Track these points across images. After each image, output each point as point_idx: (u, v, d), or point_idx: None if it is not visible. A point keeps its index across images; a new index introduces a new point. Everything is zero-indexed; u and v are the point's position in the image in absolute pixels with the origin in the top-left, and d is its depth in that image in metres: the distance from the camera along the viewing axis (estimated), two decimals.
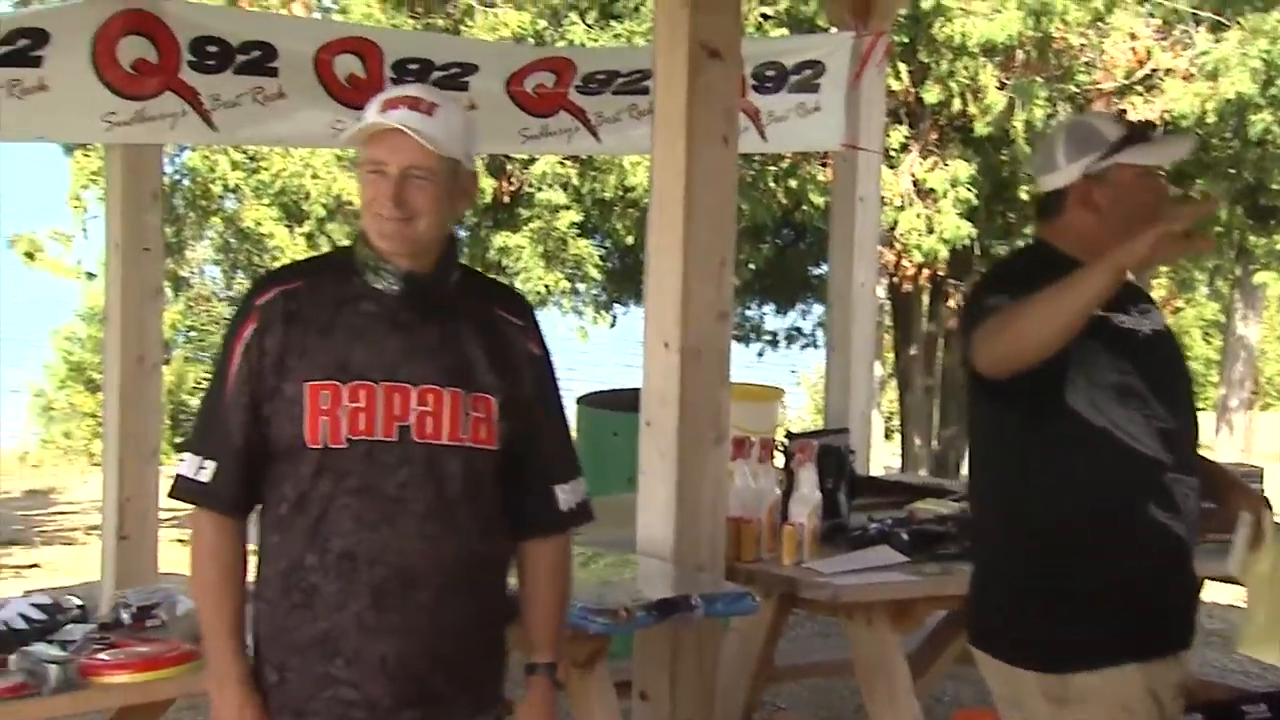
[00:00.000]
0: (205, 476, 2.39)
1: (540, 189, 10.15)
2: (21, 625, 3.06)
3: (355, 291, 2.42)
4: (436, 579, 2.39)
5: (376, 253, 2.41)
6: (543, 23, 10.00)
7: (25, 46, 4.36)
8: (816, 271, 12.43)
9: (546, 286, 10.19)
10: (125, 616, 3.25)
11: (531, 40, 9.65)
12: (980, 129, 10.10)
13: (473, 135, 2.47)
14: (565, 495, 2.56)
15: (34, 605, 3.15)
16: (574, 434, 2.71)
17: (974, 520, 2.95)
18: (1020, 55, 9.96)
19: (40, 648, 2.94)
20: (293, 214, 10.07)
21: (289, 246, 10.32)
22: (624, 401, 4.76)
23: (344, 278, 2.43)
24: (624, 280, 12.06)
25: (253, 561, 2.48)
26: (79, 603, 3.29)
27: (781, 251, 12.45)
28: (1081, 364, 2.59)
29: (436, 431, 2.39)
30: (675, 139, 3.77)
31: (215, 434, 2.41)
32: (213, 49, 4.70)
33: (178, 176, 10.71)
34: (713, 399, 3.86)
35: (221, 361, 2.44)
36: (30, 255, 11.95)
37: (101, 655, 2.99)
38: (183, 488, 2.42)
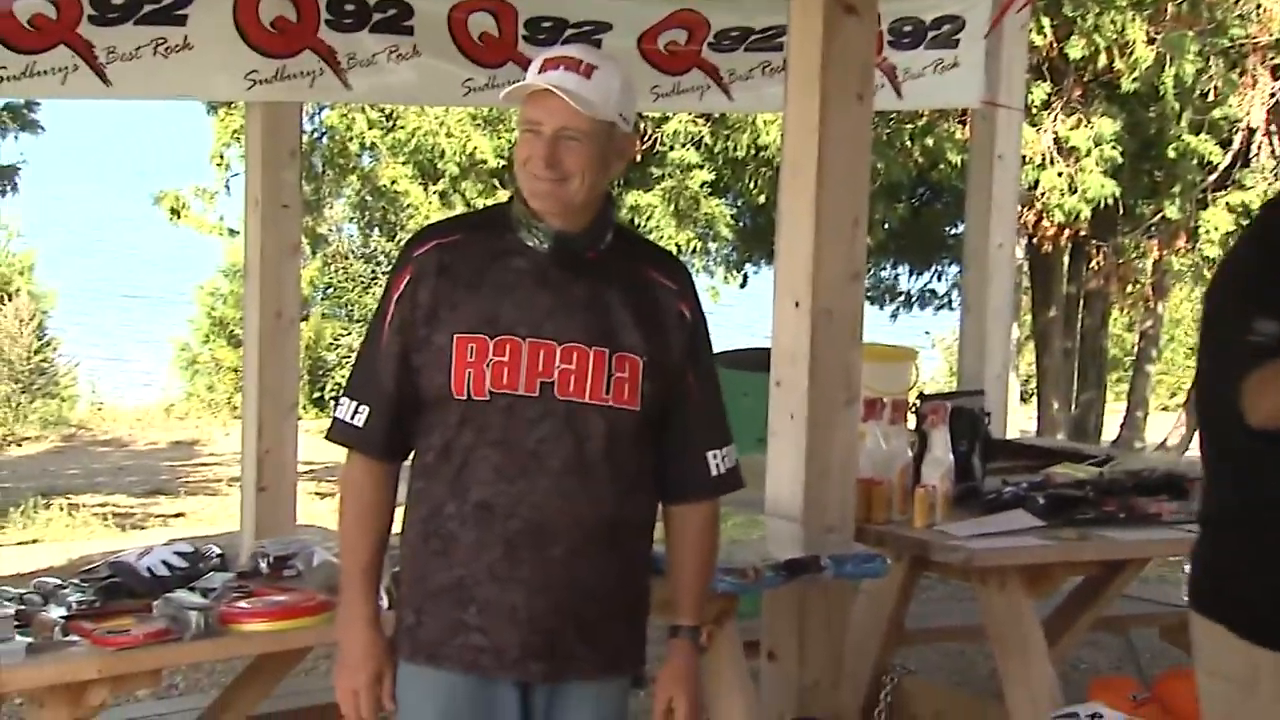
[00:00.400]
0: (359, 421, 2.46)
1: (672, 147, 10.13)
2: (164, 572, 3.16)
3: (508, 247, 2.45)
4: (572, 535, 2.41)
5: (530, 210, 2.43)
6: None
7: (170, 4, 4.45)
8: (953, 232, 12.23)
9: (677, 245, 10.18)
10: (263, 566, 3.34)
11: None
12: (1127, 85, 9.83)
13: (631, 97, 2.48)
14: (716, 461, 2.56)
15: (176, 553, 3.24)
16: None
17: (1213, 491, 2.72)
18: (1170, 8, 9.65)
19: (182, 594, 3.02)
20: (427, 172, 10.18)
21: (423, 205, 10.45)
22: (754, 361, 4.74)
23: (498, 233, 2.46)
24: (755, 239, 11.99)
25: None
26: (219, 551, 3.38)
27: (917, 211, 12.29)
28: None
29: (579, 389, 2.41)
30: (809, 96, 3.73)
31: (370, 381, 2.47)
32: (350, 7, 4.76)
33: (316, 135, 10.89)
34: (843, 359, 3.83)
35: (378, 310, 2.49)
36: (175, 212, 12.25)
37: (240, 603, 3.07)
38: (338, 430, 2.50)
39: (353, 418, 2.47)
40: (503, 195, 10.24)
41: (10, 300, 18.58)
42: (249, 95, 4.76)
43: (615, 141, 2.45)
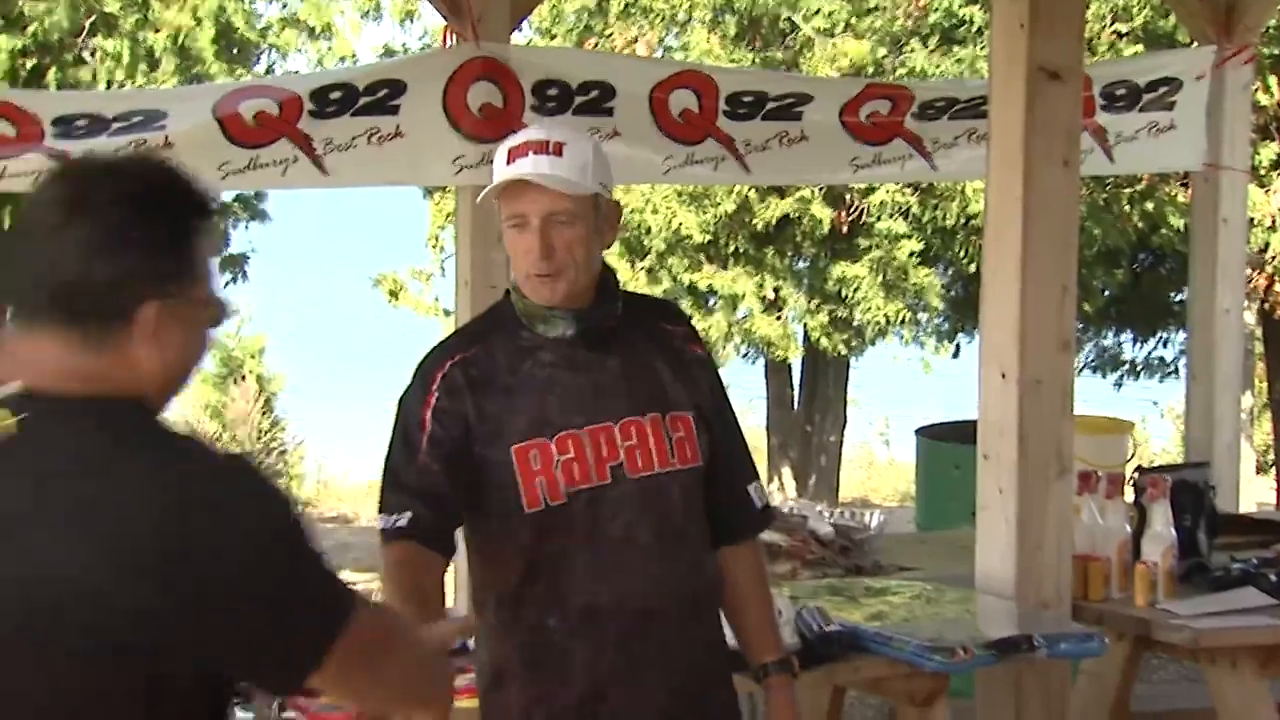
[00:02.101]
0: (403, 522, 2.36)
1: (879, 218, 10.07)
2: None
3: (527, 344, 2.42)
4: (676, 612, 2.39)
5: (537, 304, 2.40)
6: (883, 50, 9.93)
7: (384, 96, 4.66)
8: (1178, 297, 11.83)
9: (886, 317, 10.09)
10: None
11: (870, 70, 9.60)
12: None
13: (606, 163, 2.43)
14: (756, 494, 2.57)
15: None
16: (914, 466, 2.69)
17: None
18: None
19: None
20: (634, 249, 10.33)
21: (630, 281, 10.60)
22: (965, 434, 4.68)
23: (513, 333, 2.43)
24: (967, 309, 11.79)
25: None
26: None
27: (1138, 277, 11.91)
28: None
29: (647, 462, 2.39)
30: (1012, 163, 3.70)
31: (406, 494, 2.37)
32: (553, 91, 4.90)
33: None
34: (1054, 431, 3.75)
35: (407, 432, 2.39)
36: (393, 294, 12.71)
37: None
38: (385, 536, 2.39)
39: (394, 523, 2.35)
40: (709, 271, 10.34)
41: (240, 383, 19.45)
42: (457, 180, 4.94)
43: (602, 210, 2.41)
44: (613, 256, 10.58)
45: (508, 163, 2.36)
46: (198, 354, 1.69)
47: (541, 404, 2.37)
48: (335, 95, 4.63)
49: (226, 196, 11.26)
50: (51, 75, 8.98)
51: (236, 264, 11.55)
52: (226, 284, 11.71)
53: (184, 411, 19.63)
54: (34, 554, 1.48)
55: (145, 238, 1.59)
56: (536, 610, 2.36)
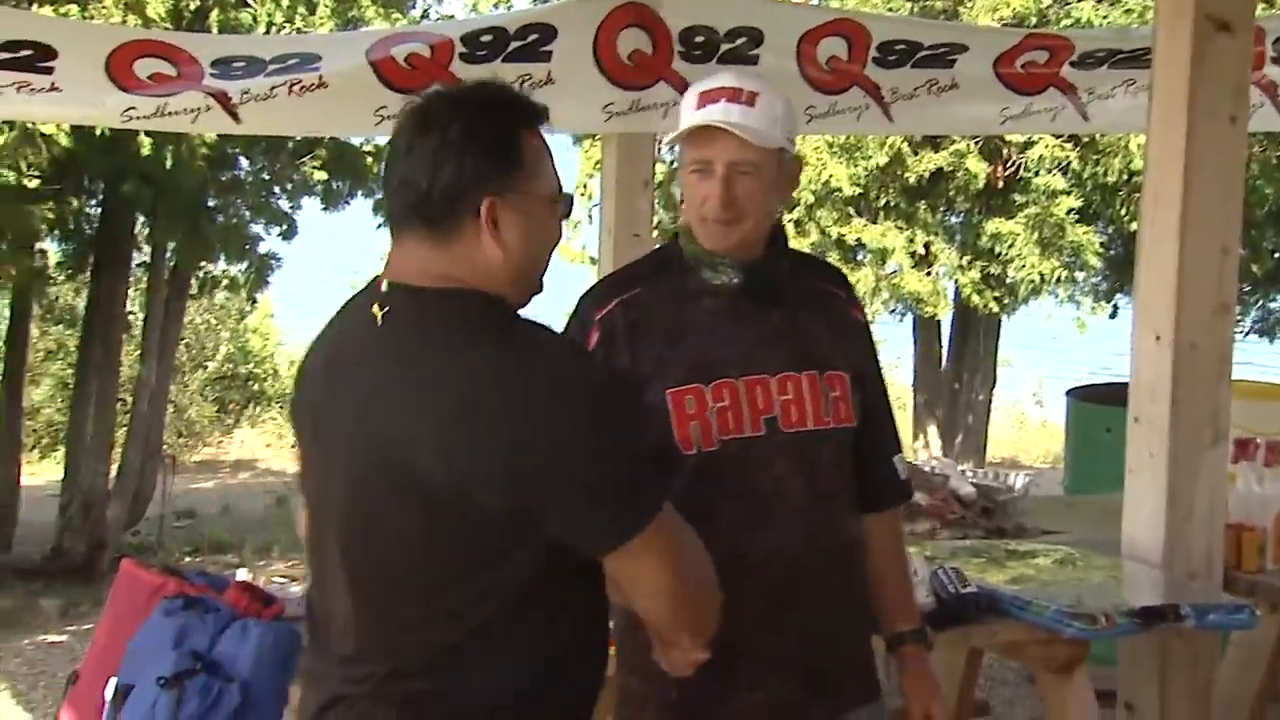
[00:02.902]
0: None
1: (1037, 173, 9.85)
2: None
3: (692, 289, 2.41)
4: (822, 568, 2.37)
5: (708, 249, 2.39)
6: (1047, 0, 9.67)
7: (535, 41, 4.66)
8: None
9: (1041, 275, 9.87)
10: None
11: (1034, 21, 9.36)
12: None
13: (794, 118, 2.43)
14: (900, 466, 2.57)
15: None
16: (1063, 429, 2.65)
17: None
18: None
19: None
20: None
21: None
22: (1118, 396, 4.57)
23: (679, 277, 2.42)
24: (1126, 268, 11.49)
25: None
26: None
27: None
28: None
29: (802, 418, 2.37)
30: (1174, 117, 3.58)
31: None
32: (699, 39, 4.86)
33: (675, 164, 11.14)
34: (1209, 396, 3.64)
35: None
36: None
37: None
38: None
39: None
40: (858, 224, 10.23)
41: None
42: (607, 127, 4.93)
43: (785, 167, 2.40)
44: None
45: (697, 107, 2.35)
46: (544, 244, 1.97)
47: (700, 350, 2.37)
48: (486, 39, 4.64)
49: (382, 138, 11.47)
50: (214, 18, 9.19)
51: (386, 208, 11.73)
52: (378, 227, 11.92)
53: None
54: (393, 416, 1.82)
55: (478, 144, 1.89)
56: None
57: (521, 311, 1.95)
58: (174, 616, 2.80)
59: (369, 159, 11.15)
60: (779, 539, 2.35)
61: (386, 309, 1.90)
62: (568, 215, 1.99)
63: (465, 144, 1.89)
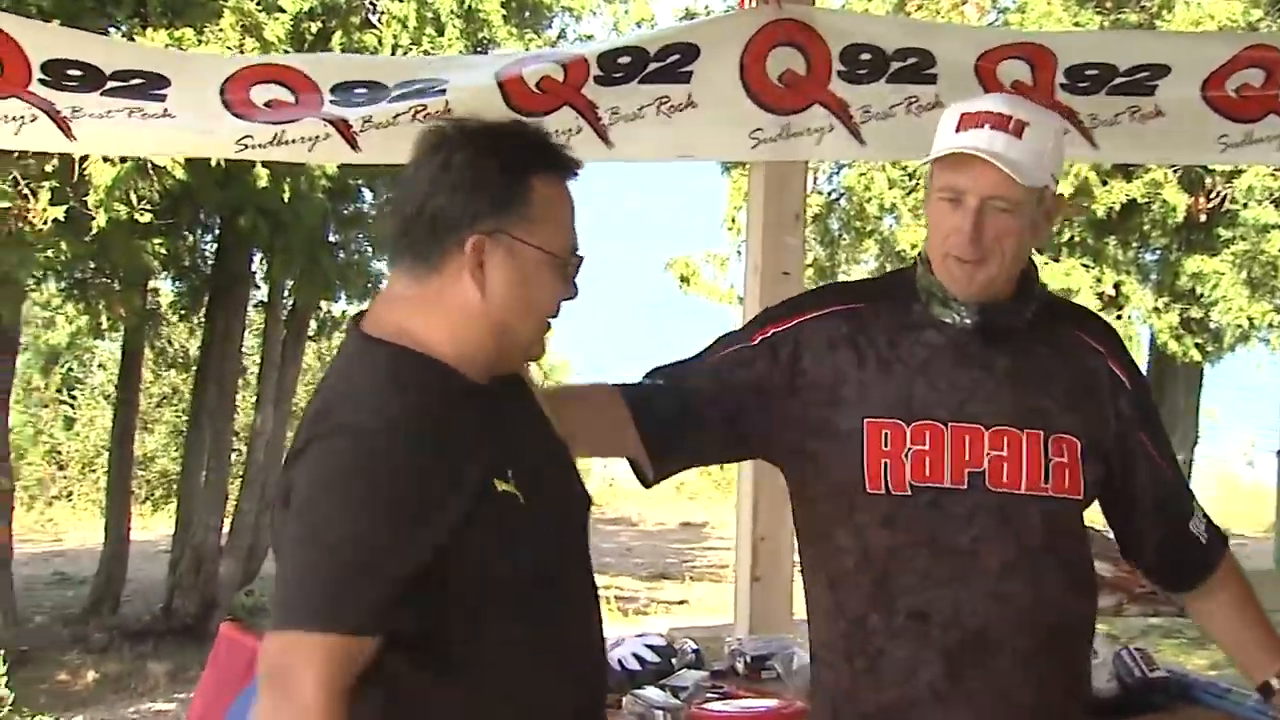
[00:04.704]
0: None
1: (1245, 205, 9.62)
2: (635, 666, 3.28)
3: (918, 320, 2.38)
4: (1017, 644, 2.31)
5: (943, 285, 2.36)
6: (1258, 12, 9.46)
7: (675, 62, 4.68)
8: None
9: (1250, 320, 9.63)
10: (739, 665, 3.41)
11: (1242, 31, 9.16)
12: None
13: (1061, 152, 2.40)
14: (1199, 529, 2.51)
15: (649, 646, 3.35)
16: (1276, 490, 2.58)
17: None
18: None
19: (652, 691, 3.12)
20: None
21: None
22: None
23: (904, 304, 2.40)
24: None
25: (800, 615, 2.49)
26: (695, 646, 3.47)
27: None
28: None
29: (1014, 479, 2.32)
30: None
31: (661, 376, 2.48)
32: (865, 56, 4.82)
33: (834, 195, 11.13)
34: None
35: (730, 333, 2.49)
36: (685, 279, 12.86)
37: (712, 705, 3.11)
38: None
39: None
40: (1038, 261, 10.07)
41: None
42: (753, 155, 4.91)
43: (1045, 205, 2.35)
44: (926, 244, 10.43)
45: (958, 130, 2.33)
46: (535, 303, 1.99)
47: (908, 384, 2.34)
48: (624, 60, 4.66)
49: None
50: (336, 39, 9.44)
51: None
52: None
53: None
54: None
55: (478, 176, 1.94)
56: (862, 600, 2.34)
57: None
58: None
59: None
60: (969, 602, 2.31)
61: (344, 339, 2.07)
62: (567, 278, 2.02)
63: (465, 173, 1.95)
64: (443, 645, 1.92)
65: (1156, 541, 2.47)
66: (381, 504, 1.87)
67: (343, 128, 4.43)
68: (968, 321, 2.36)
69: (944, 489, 2.31)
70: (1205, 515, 2.54)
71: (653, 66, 4.68)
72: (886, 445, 2.32)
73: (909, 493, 2.31)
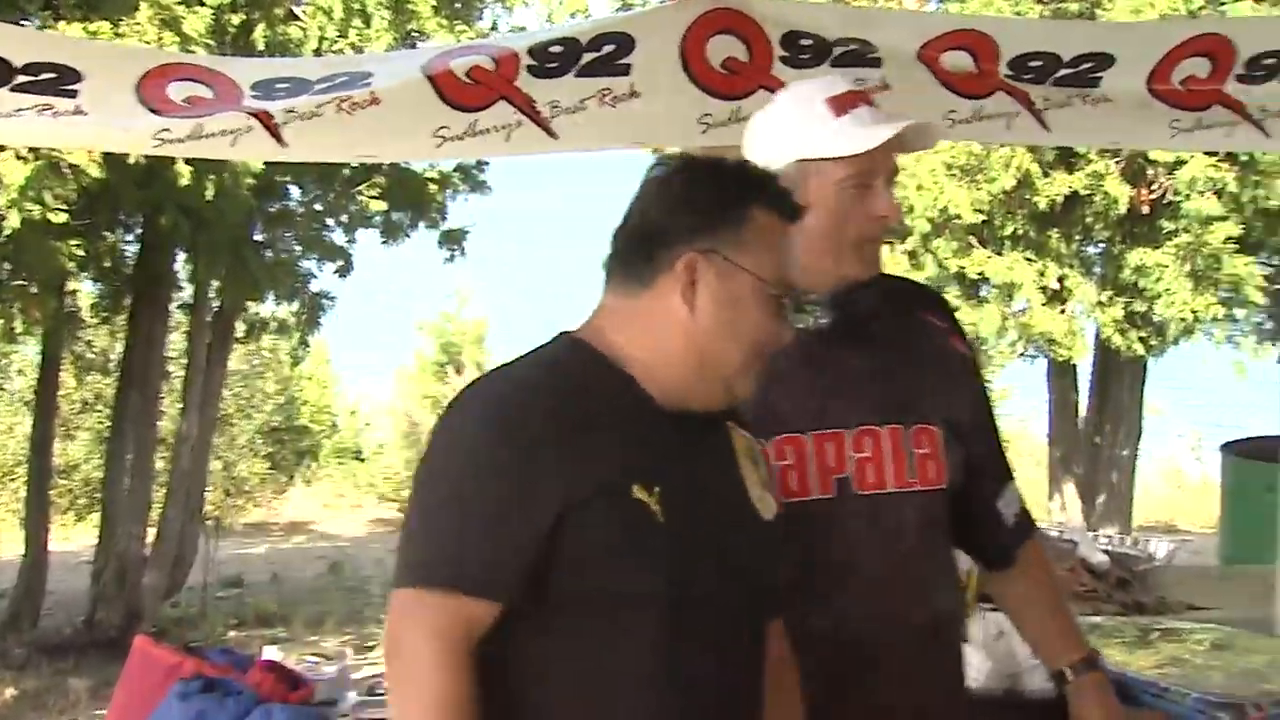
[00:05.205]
0: None
1: (1188, 196, 9.72)
2: None
3: None
4: (899, 645, 2.32)
5: (849, 280, 2.35)
6: (1198, 1, 9.58)
7: (611, 53, 4.67)
8: None
9: (1194, 313, 9.73)
10: None
11: (1183, 19, 9.27)
12: None
13: None
14: (1005, 507, 2.50)
15: None
16: (1219, 486, 2.60)
17: None
18: None
19: None
20: (891, 229, 10.22)
21: (888, 266, 10.46)
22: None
23: None
24: None
25: None
26: None
27: None
28: None
29: (879, 479, 2.32)
30: None
31: None
32: (806, 42, 4.84)
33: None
34: None
35: None
36: None
37: None
38: None
39: None
40: (981, 255, 10.15)
41: (461, 371, 19.95)
42: (704, 140, 4.90)
43: None
44: None
45: (838, 114, 2.35)
46: (743, 325, 2.01)
47: (763, 401, 2.25)
48: (556, 50, 4.67)
49: (447, 165, 11.59)
50: (259, 32, 9.37)
51: (454, 240, 11.83)
52: (445, 261, 12.02)
53: (401, 403, 20.26)
54: None
55: (698, 196, 2.02)
56: None
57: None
58: (190, 701, 2.82)
59: (432, 186, 11.26)
60: (849, 612, 2.30)
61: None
62: (785, 310, 2.04)
63: (686, 193, 2.02)
64: (547, 633, 1.94)
65: (967, 517, 2.45)
66: (499, 466, 1.91)
67: (265, 119, 4.38)
68: (824, 321, 2.36)
69: (814, 500, 2.30)
70: (1020, 498, 2.54)
71: (588, 58, 4.67)
72: None
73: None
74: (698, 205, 2.01)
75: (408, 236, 11.70)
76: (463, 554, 1.89)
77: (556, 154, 4.99)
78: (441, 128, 4.53)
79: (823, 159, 2.33)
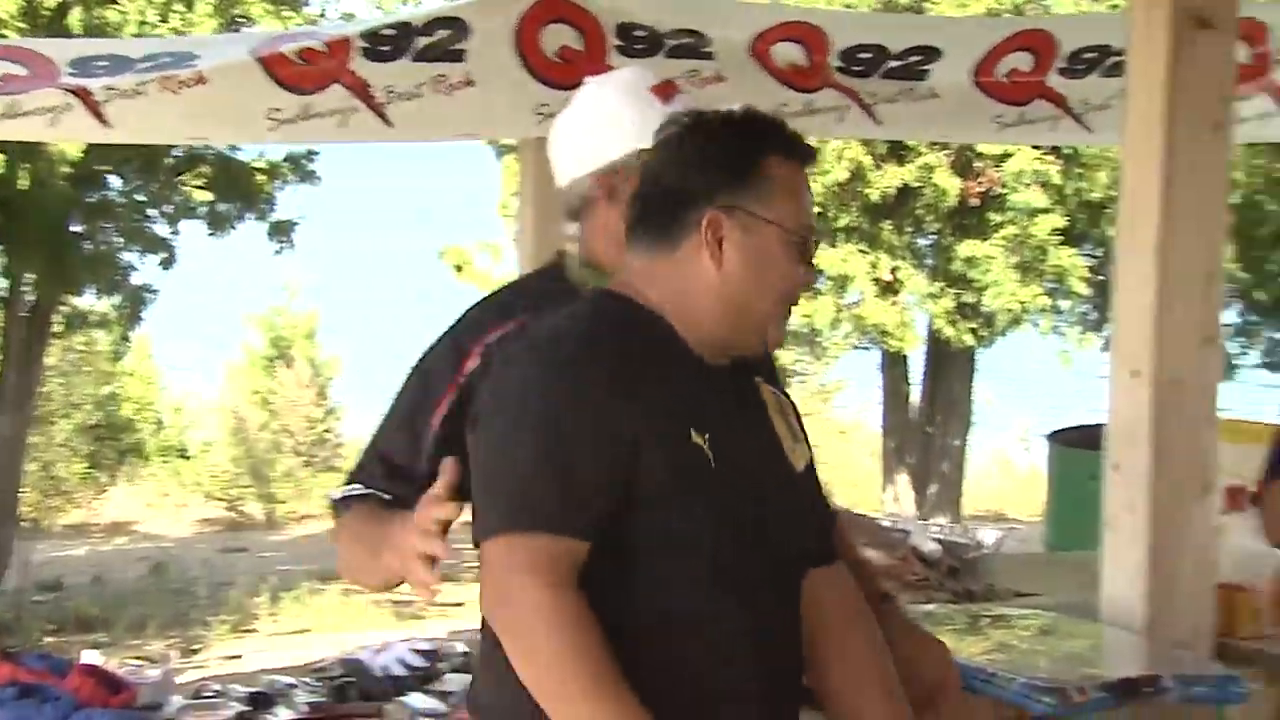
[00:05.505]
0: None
1: (1015, 189, 9.96)
2: (400, 672, 3.26)
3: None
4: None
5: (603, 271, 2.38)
6: None
7: (446, 39, 4.65)
8: None
9: (1022, 304, 9.97)
10: None
11: (1008, 15, 9.49)
12: None
13: None
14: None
15: (415, 651, 3.34)
16: (1046, 474, 2.67)
17: None
18: None
19: (416, 698, 3.11)
20: None
21: None
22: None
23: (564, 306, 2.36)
24: None
25: None
26: (463, 649, 3.47)
27: None
28: None
29: None
30: (1150, 128, 3.62)
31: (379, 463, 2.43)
32: (640, 33, 4.87)
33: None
34: (1196, 440, 3.67)
35: (423, 395, 2.40)
36: (459, 268, 12.81)
37: None
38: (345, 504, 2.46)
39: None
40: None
41: (291, 365, 19.66)
42: (541, 130, 4.91)
43: None
44: None
45: (665, 101, 2.38)
46: (771, 280, 2.09)
47: None
48: (389, 34, 4.63)
49: (276, 154, 11.42)
50: (75, 16, 9.12)
51: (283, 231, 11.67)
52: (274, 253, 11.85)
53: (229, 399, 19.91)
54: None
55: (714, 154, 2.08)
56: None
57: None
58: (5, 708, 2.76)
59: (260, 176, 11.08)
60: None
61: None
62: (805, 253, 2.11)
63: (701, 153, 2.09)
64: (617, 575, 2.01)
65: None
66: (574, 409, 1.98)
67: (85, 97, 4.24)
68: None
69: None
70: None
71: (422, 42, 4.64)
72: None
73: None
74: (714, 164, 2.08)
75: (233, 228, 11.52)
76: (546, 497, 1.96)
77: (393, 143, 4.96)
78: (274, 110, 4.46)
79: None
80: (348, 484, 2.45)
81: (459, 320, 2.50)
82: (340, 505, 2.44)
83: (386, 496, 2.36)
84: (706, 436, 2.06)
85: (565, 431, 1.98)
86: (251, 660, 8.80)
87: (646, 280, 2.11)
